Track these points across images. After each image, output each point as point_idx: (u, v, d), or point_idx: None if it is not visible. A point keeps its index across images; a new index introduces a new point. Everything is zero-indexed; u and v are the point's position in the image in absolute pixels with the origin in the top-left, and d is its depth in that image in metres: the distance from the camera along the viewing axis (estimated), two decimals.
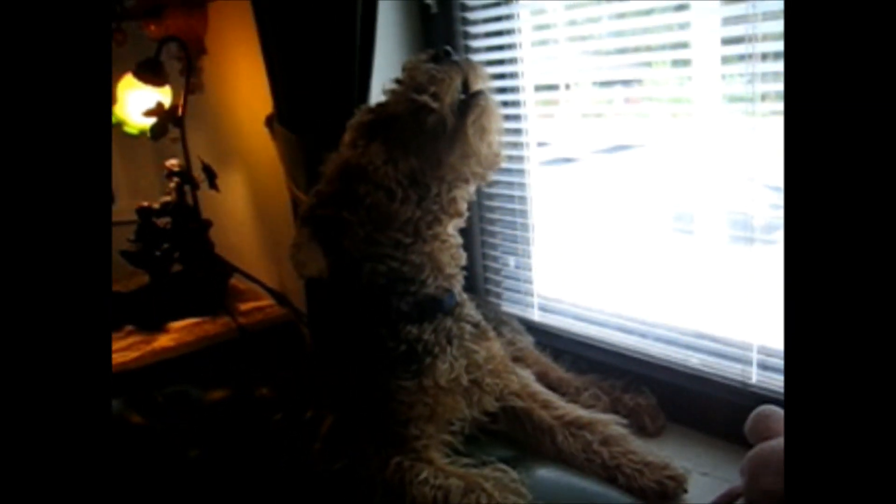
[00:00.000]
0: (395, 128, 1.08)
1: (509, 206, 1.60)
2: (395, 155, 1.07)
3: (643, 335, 1.40)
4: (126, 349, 1.69)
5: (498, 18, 1.50)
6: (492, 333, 1.24)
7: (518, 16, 1.47)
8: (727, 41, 1.17)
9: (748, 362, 1.22)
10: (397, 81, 1.10)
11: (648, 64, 1.34)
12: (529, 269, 1.60)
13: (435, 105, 1.04)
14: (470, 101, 1.07)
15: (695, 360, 1.31)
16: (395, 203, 1.08)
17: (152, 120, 1.80)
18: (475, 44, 1.55)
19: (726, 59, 1.20)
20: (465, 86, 1.08)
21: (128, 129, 1.86)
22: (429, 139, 1.06)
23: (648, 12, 1.27)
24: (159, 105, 1.80)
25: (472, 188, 1.15)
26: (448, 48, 1.10)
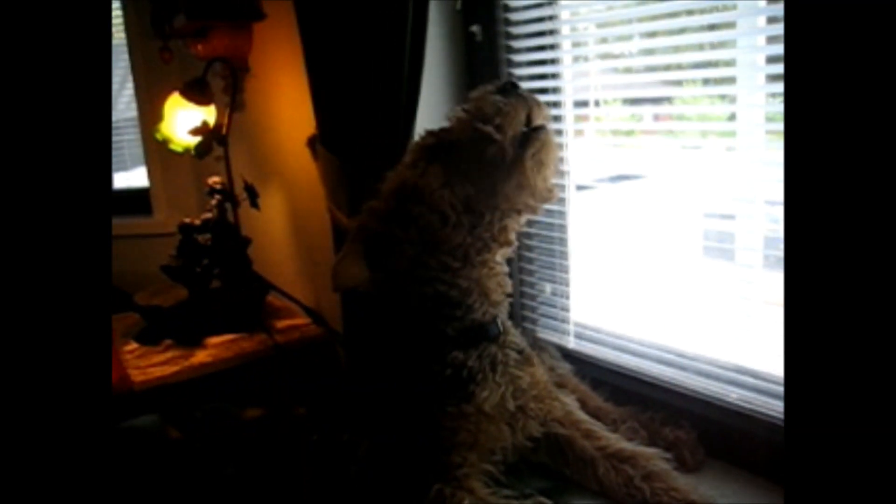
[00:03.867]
0: (456, 154, 1.09)
1: (546, 232, 1.60)
2: (453, 180, 1.09)
3: (682, 367, 1.39)
4: (165, 363, 1.72)
5: (542, 48, 1.51)
6: (536, 360, 1.24)
7: (561, 46, 1.48)
8: (772, 60, 1.16)
9: None
10: (464, 110, 1.12)
11: (679, 83, 1.34)
12: (566, 297, 1.60)
13: (498, 136, 1.06)
14: (531, 134, 1.09)
15: (734, 396, 1.30)
16: (447, 227, 1.10)
17: (197, 138, 1.83)
18: (519, 72, 1.56)
19: (771, 78, 1.18)
20: (528, 119, 1.09)
21: (173, 146, 1.90)
22: (487, 168, 1.08)
23: (682, 31, 1.27)
24: (205, 124, 1.83)
25: (523, 219, 1.16)
26: (514, 81, 1.12)
